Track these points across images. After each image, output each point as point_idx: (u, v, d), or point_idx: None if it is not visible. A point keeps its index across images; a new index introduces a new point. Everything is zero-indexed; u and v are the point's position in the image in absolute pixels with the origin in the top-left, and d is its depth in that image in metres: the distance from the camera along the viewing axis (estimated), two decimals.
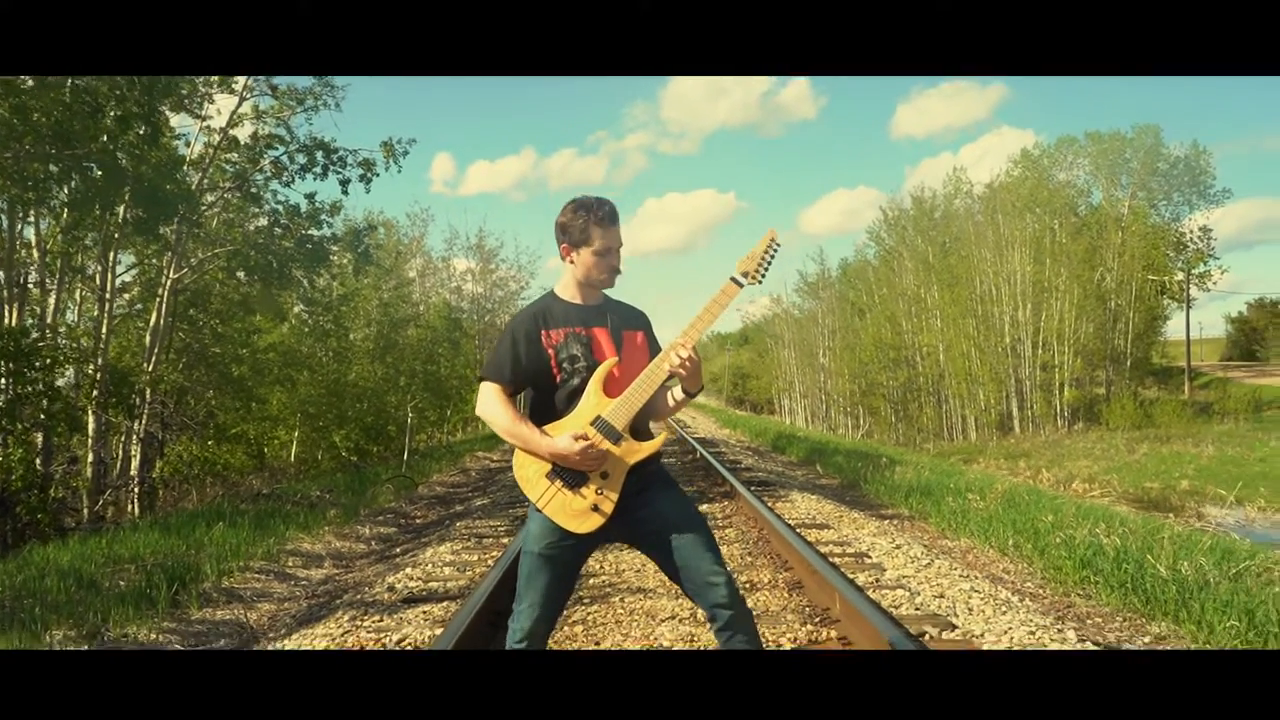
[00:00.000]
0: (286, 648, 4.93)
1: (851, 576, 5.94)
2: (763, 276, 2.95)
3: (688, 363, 2.86)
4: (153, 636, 5.40)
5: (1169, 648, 4.88)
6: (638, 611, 5.33)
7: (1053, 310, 40.93)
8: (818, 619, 5.05)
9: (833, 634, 4.80)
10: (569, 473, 2.88)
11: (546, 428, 2.91)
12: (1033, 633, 4.72)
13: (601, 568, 6.56)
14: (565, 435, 2.85)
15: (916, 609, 5.25)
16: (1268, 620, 4.66)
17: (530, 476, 2.92)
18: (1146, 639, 5.07)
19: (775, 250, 2.96)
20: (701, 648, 4.59)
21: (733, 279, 2.93)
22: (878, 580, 6.03)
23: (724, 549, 7.06)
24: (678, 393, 3.05)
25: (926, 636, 4.69)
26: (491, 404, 2.95)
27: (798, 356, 62.34)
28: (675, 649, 4.63)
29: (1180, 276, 53.14)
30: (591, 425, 2.87)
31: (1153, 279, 48.51)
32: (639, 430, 2.96)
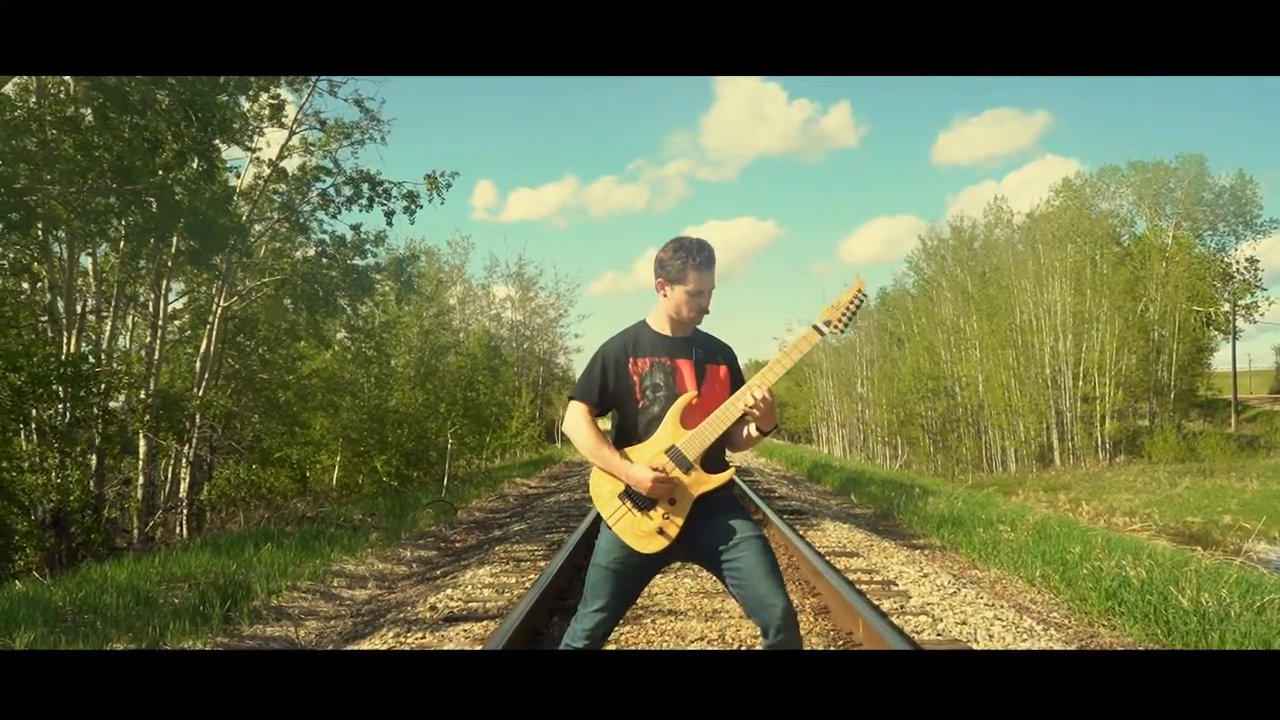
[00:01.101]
0: None
1: (877, 603, 6.10)
2: (845, 326, 3.08)
3: (761, 404, 3.05)
4: (209, 650, 5.67)
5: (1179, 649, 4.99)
6: (669, 633, 5.53)
7: (1094, 341, 40.61)
8: (841, 642, 5.23)
9: None
10: (640, 495, 3.08)
11: (625, 450, 3.12)
12: None
13: None
14: (642, 465, 3.05)
15: (938, 635, 5.41)
16: None
17: (604, 495, 3.14)
18: None
19: (861, 301, 3.10)
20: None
21: (815, 327, 3.11)
22: (902, 607, 6.18)
23: None
24: (753, 429, 3.21)
25: None
26: (577, 423, 3.18)
27: (835, 386, 62.17)
28: (678, 649, 4.82)
29: (1226, 308, 52.53)
30: (665, 454, 3.06)
31: (1197, 310, 48.01)
32: (711, 461, 3.13)
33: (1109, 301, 40.64)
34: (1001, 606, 6.37)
